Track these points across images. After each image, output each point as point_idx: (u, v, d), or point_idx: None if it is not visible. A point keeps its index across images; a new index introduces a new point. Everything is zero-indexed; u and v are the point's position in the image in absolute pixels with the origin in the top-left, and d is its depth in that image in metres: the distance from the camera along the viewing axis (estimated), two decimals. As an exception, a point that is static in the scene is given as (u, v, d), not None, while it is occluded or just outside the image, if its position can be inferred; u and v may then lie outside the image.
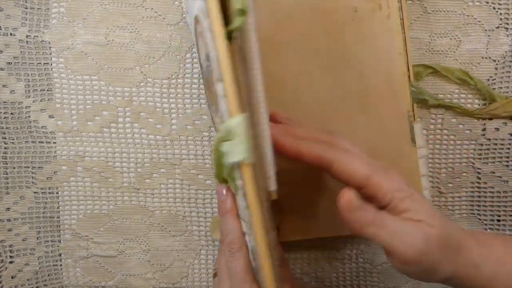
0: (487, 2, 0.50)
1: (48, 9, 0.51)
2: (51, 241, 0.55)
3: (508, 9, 0.50)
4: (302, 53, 0.47)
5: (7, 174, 0.53)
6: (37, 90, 0.52)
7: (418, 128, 0.47)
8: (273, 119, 0.42)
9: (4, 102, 0.51)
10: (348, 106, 0.47)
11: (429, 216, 0.35)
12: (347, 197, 0.34)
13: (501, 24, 0.51)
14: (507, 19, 0.50)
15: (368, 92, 0.47)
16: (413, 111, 0.47)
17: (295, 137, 0.36)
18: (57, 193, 0.54)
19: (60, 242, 0.55)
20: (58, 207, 0.54)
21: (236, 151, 0.29)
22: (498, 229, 0.54)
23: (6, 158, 0.52)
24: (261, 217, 0.30)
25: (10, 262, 0.54)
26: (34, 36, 0.51)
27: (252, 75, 0.33)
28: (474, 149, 0.52)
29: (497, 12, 0.50)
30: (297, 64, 0.47)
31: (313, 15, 0.46)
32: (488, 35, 0.50)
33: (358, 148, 0.38)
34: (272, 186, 0.36)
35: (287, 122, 0.42)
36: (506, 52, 0.51)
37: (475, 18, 0.50)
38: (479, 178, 0.52)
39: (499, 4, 0.50)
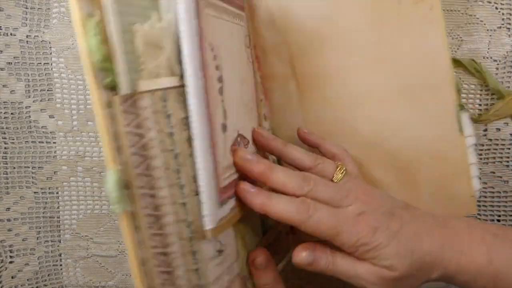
0: (490, 2, 0.50)
1: (48, 9, 0.51)
2: (51, 241, 0.55)
3: (510, 9, 0.50)
4: (347, 49, 0.47)
5: (7, 174, 0.53)
6: (37, 90, 0.52)
7: (465, 117, 0.47)
8: (255, 136, 0.41)
9: (4, 102, 0.51)
10: (395, 99, 0.47)
11: (397, 259, 0.36)
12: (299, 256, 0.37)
13: (503, 24, 0.50)
14: (509, 19, 0.50)
15: (414, 84, 0.47)
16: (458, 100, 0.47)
17: (266, 195, 0.35)
18: (57, 193, 0.54)
19: (60, 242, 0.55)
20: (58, 207, 0.54)
21: (112, 202, 0.28)
22: (499, 230, 0.54)
23: (6, 158, 0.52)
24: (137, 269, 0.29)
25: (10, 262, 0.54)
26: (35, 36, 0.51)
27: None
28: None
29: (499, 12, 0.50)
30: (343, 59, 0.47)
31: (355, 11, 0.46)
32: (490, 35, 0.50)
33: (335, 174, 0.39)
34: (207, 225, 0.31)
35: (269, 141, 0.41)
36: (507, 52, 0.50)
37: (477, 18, 0.50)
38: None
39: (501, 4, 0.50)
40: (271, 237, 0.43)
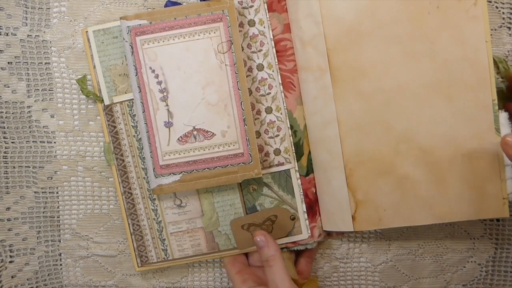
0: (490, 1, 0.50)
1: (49, 8, 0.51)
2: (51, 241, 0.54)
3: (511, 9, 0.50)
4: (385, 42, 0.46)
5: (7, 173, 0.53)
6: (38, 89, 0.52)
7: (503, 117, 0.46)
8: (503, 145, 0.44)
9: (5, 101, 0.51)
10: (431, 94, 0.46)
11: None
12: None
13: (503, 23, 0.51)
14: (510, 18, 0.50)
15: (452, 80, 0.46)
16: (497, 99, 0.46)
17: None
18: (57, 192, 0.54)
19: (60, 241, 0.55)
20: (58, 207, 0.54)
21: (106, 160, 0.54)
22: (497, 229, 0.54)
23: (7, 158, 0.52)
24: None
25: (10, 262, 0.54)
26: (35, 35, 0.51)
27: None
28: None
29: (499, 11, 0.51)
30: (380, 53, 0.47)
31: (396, 3, 0.46)
32: (491, 34, 0.50)
33: None
34: (150, 186, 0.52)
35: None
36: (508, 51, 0.51)
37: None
38: None
39: (502, 3, 0.50)
40: (258, 219, 0.51)
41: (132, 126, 0.50)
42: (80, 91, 0.51)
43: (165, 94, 0.47)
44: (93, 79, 0.50)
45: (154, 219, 0.52)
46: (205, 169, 0.48)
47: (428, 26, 0.46)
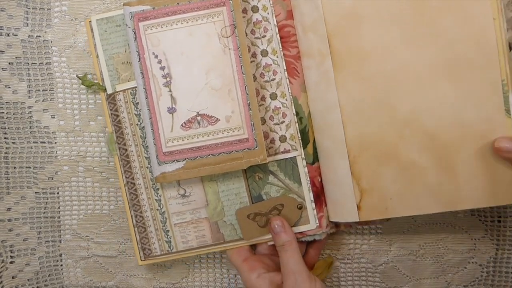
0: None
1: (50, 8, 0.51)
2: (52, 241, 0.55)
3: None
4: (386, 24, 0.45)
5: (8, 174, 0.53)
6: (39, 90, 0.52)
7: None
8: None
9: (6, 102, 0.51)
10: (435, 76, 0.45)
11: None
12: None
13: None
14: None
15: (457, 61, 0.44)
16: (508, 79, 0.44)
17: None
18: (58, 193, 0.54)
19: (60, 242, 0.55)
20: (59, 207, 0.54)
21: (109, 150, 0.54)
22: (498, 229, 0.54)
23: (7, 158, 0.52)
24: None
25: (11, 262, 0.54)
26: (37, 36, 0.51)
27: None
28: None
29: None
30: (380, 35, 0.45)
31: None
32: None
33: None
34: (153, 174, 0.51)
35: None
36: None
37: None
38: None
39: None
40: (264, 208, 0.50)
41: (135, 114, 0.50)
42: (81, 84, 0.51)
43: (168, 79, 0.47)
44: (96, 68, 0.50)
45: (157, 209, 0.51)
46: (209, 155, 0.48)
47: (430, 5, 0.44)
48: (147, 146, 0.50)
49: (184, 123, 0.47)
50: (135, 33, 0.47)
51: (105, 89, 0.50)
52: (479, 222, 0.54)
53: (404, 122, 0.46)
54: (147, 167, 0.50)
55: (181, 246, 0.51)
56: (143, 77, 0.47)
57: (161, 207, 0.51)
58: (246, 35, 0.48)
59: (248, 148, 0.47)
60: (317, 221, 0.50)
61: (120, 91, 0.50)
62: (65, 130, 0.52)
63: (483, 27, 0.43)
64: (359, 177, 0.47)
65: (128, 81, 0.50)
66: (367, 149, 0.47)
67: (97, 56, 0.50)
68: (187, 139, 0.47)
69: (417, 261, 0.55)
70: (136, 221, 0.51)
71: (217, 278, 0.56)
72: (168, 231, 0.51)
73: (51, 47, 0.51)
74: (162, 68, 0.47)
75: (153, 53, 0.47)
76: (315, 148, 0.50)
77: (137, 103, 0.50)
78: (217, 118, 0.47)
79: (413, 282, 0.56)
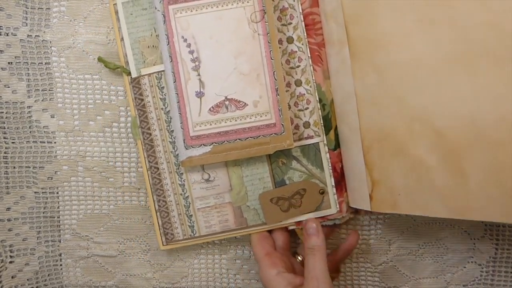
0: None
1: (48, 8, 0.51)
2: (51, 241, 0.55)
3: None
4: (401, 10, 0.43)
5: (7, 174, 0.53)
6: (38, 90, 0.52)
7: None
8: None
9: (6, 102, 0.51)
10: (451, 68, 0.41)
11: None
12: None
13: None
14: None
15: (476, 52, 0.39)
16: None
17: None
18: (57, 193, 0.54)
19: (60, 242, 0.55)
20: (58, 207, 0.54)
21: (133, 134, 0.53)
22: (498, 230, 0.54)
23: (7, 158, 0.52)
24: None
25: (10, 262, 0.54)
26: (35, 35, 0.51)
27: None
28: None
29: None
30: (396, 22, 0.43)
31: None
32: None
33: None
34: (179, 158, 0.51)
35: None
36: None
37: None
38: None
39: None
40: (287, 193, 0.51)
41: (160, 98, 0.50)
42: (105, 67, 0.51)
43: (197, 63, 0.47)
44: (120, 51, 0.50)
45: (181, 194, 0.51)
46: (236, 140, 0.48)
47: None
48: (172, 131, 0.50)
49: (212, 107, 0.48)
50: (164, 17, 0.47)
51: (130, 72, 0.50)
52: (479, 221, 0.54)
53: (414, 116, 0.43)
54: (171, 152, 0.50)
55: (204, 231, 0.52)
56: (171, 61, 0.47)
57: (185, 192, 0.51)
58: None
59: (275, 133, 0.48)
60: (338, 206, 0.51)
61: (146, 75, 0.50)
62: (64, 129, 0.52)
63: (505, 15, 0.38)
64: (372, 167, 0.47)
65: (154, 65, 0.49)
66: (380, 141, 0.46)
67: (122, 39, 0.49)
68: (215, 124, 0.48)
69: (416, 260, 0.55)
70: (159, 205, 0.51)
71: (217, 278, 0.56)
72: (191, 215, 0.51)
73: (50, 47, 0.51)
74: (191, 52, 0.47)
75: (182, 37, 0.47)
76: (336, 135, 0.50)
77: (163, 87, 0.50)
78: (245, 103, 0.48)
79: (413, 282, 0.56)
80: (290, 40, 0.49)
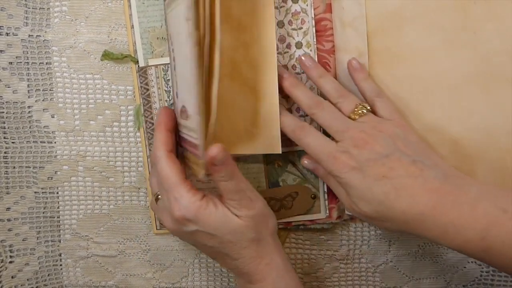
0: None
1: (49, 8, 0.51)
2: (51, 241, 0.55)
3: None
4: (427, 29, 0.46)
5: (7, 173, 0.53)
6: (39, 89, 0.52)
7: None
8: (300, 62, 0.48)
9: (6, 102, 0.51)
10: (469, 86, 0.45)
11: (363, 203, 0.41)
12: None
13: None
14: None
15: (493, 73, 0.45)
16: None
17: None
18: (57, 193, 0.54)
19: (60, 242, 0.55)
20: (58, 207, 0.54)
21: (135, 122, 0.53)
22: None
23: (7, 158, 0.52)
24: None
25: (10, 262, 0.54)
26: (37, 35, 0.51)
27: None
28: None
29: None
30: (421, 40, 0.46)
31: None
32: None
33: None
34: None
35: (308, 69, 0.48)
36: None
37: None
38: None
39: None
40: (279, 194, 0.52)
41: (165, 90, 0.51)
42: (111, 59, 0.51)
43: (174, 63, 0.46)
44: (129, 39, 0.50)
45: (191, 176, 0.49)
46: (188, 150, 0.46)
47: (472, 15, 0.45)
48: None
49: (180, 110, 0.46)
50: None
51: (137, 61, 0.50)
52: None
53: (430, 126, 0.47)
54: None
55: None
56: (169, 57, 0.48)
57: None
58: (283, 26, 0.49)
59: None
60: (327, 212, 0.52)
61: (152, 65, 0.50)
62: (65, 129, 0.52)
63: None
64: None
65: (161, 56, 0.50)
66: None
67: (132, 27, 0.50)
68: (181, 129, 0.47)
69: (416, 261, 0.55)
70: None
71: (217, 278, 0.56)
72: None
73: (51, 47, 0.51)
74: (172, 51, 0.47)
75: (169, 35, 0.47)
76: None
77: (168, 80, 0.50)
78: (187, 114, 0.45)
79: (413, 282, 0.56)
80: (298, 45, 0.49)
